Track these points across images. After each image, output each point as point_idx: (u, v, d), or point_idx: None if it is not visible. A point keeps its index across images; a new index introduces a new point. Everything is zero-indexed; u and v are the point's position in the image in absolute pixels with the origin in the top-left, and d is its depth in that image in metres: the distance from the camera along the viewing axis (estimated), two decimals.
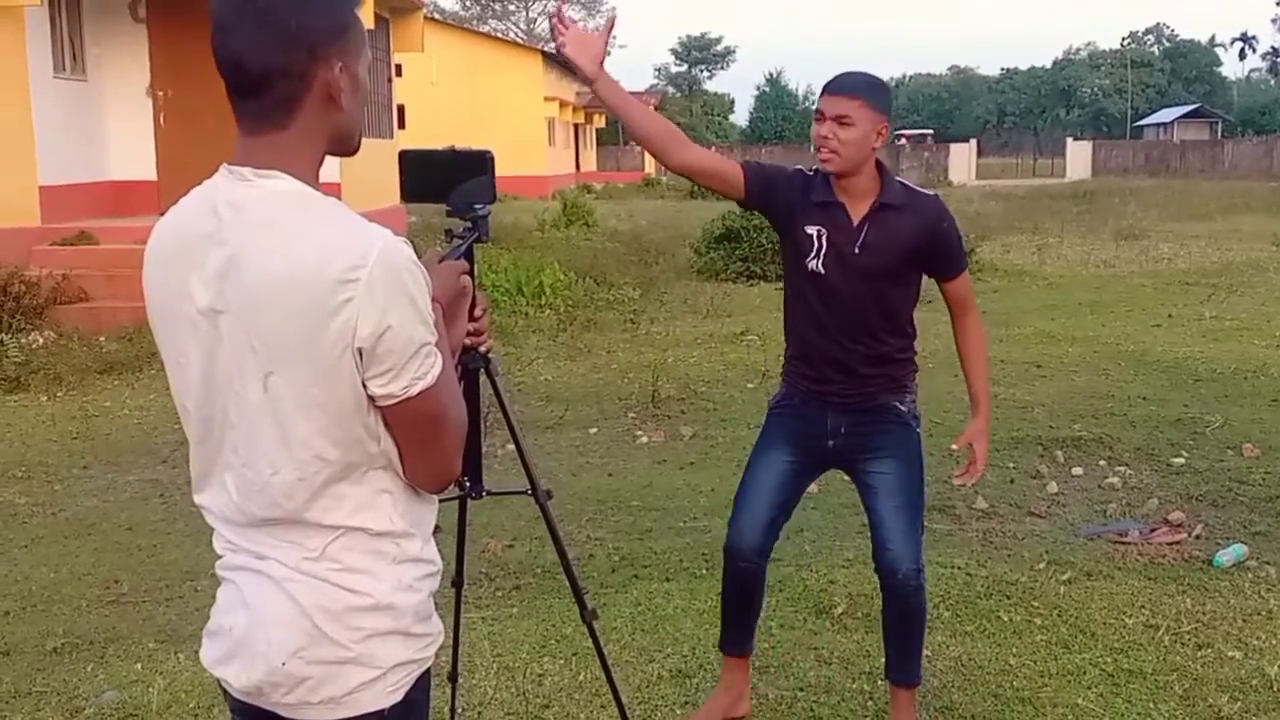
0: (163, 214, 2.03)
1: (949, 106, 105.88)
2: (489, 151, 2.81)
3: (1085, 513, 6.27)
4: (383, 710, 1.99)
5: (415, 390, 1.90)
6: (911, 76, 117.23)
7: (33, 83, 13.09)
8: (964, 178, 50.95)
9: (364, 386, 1.89)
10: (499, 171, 2.89)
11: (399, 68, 19.89)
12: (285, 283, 1.83)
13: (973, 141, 58.80)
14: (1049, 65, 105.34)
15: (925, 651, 4.38)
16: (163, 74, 14.94)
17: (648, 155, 53.11)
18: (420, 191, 2.86)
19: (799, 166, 3.81)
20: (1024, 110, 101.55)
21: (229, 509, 2.00)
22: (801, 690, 4.27)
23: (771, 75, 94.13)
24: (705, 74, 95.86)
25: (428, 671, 2.09)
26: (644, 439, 7.90)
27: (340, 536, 1.96)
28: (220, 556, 2.06)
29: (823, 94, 3.63)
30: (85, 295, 11.95)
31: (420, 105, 34.40)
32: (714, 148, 61.74)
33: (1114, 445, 7.47)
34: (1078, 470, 7.00)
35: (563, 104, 45.06)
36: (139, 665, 4.59)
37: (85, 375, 9.83)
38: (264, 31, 1.87)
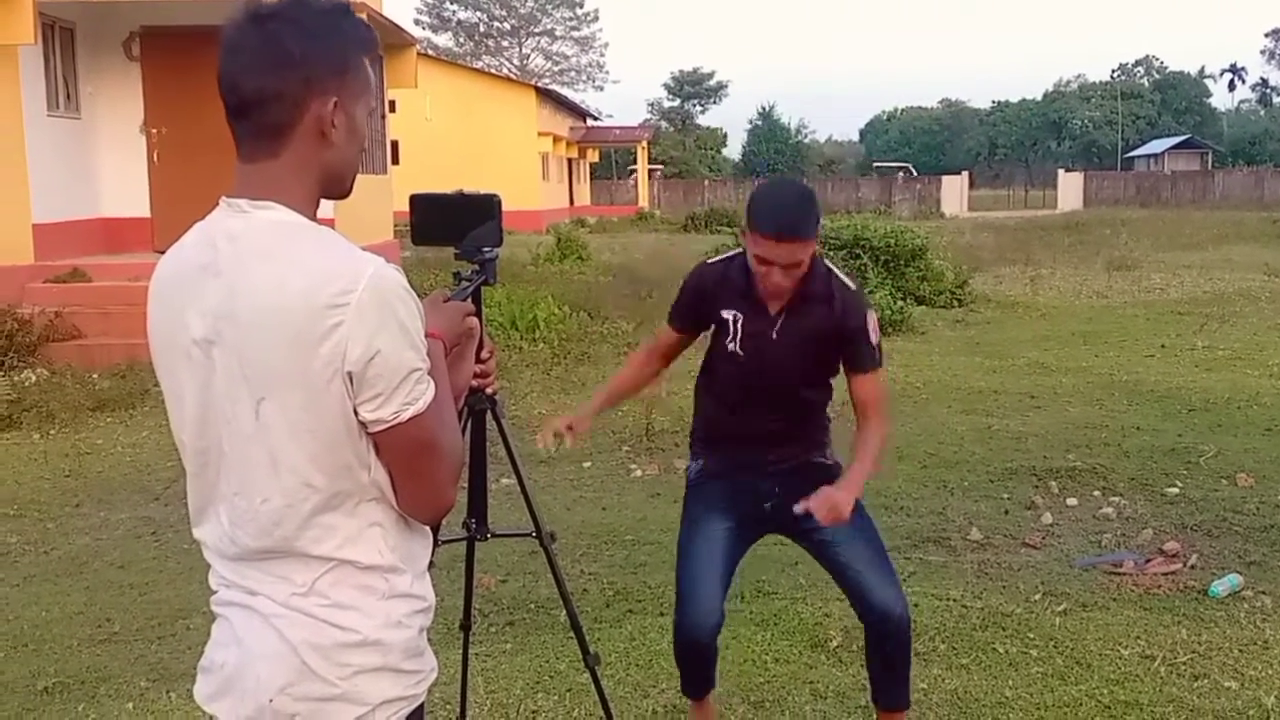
0: (157, 250, 2.06)
1: (941, 139, 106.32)
2: (496, 196, 2.87)
3: (1080, 543, 6.25)
4: None
5: (405, 416, 1.91)
6: (903, 109, 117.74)
7: (26, 121, 13.13)
8: (956, 210, 51.11)
9: (355, 413, 1.90)
10: None
11: (393, 104, 19.95)
12: (277, 309, 1.86)
13: (964, 174, 59.00)
14: (1039, 98, 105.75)
15: (921, 685, 4.37)
16: (156, 111, 15.00)
17: (641, 189, 52.74)
18: (429, 234, 2.89)
19: (705, 261, 3.83)
20: (1015, 142, 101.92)
21: (223, 541, 2.01)
22: None
23: (764, 109, 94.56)
24: (698, 108, 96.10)
25: (420, 708, 2.07)
26: (638, 472, 7.88)
27: (329, 571, 1.96)
28: (215, 592, 2.07)
29: (767, 237, 3.39)
30: (78, 332, 11.94)
31: (414, 141, 34.45)
32: (707, 182, 61.97)
33: (1108, 476, 7.47)
34: (1072, 501, 6.99)
35: (556, 139, 45.22)
36: (130, 705, 4.57)
37: (78, 413, 9.80)
38: (265, 54, 1.92)
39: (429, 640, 2.10)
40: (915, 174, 62.60)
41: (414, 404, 1.91)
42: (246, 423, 1.92)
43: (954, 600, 5.34)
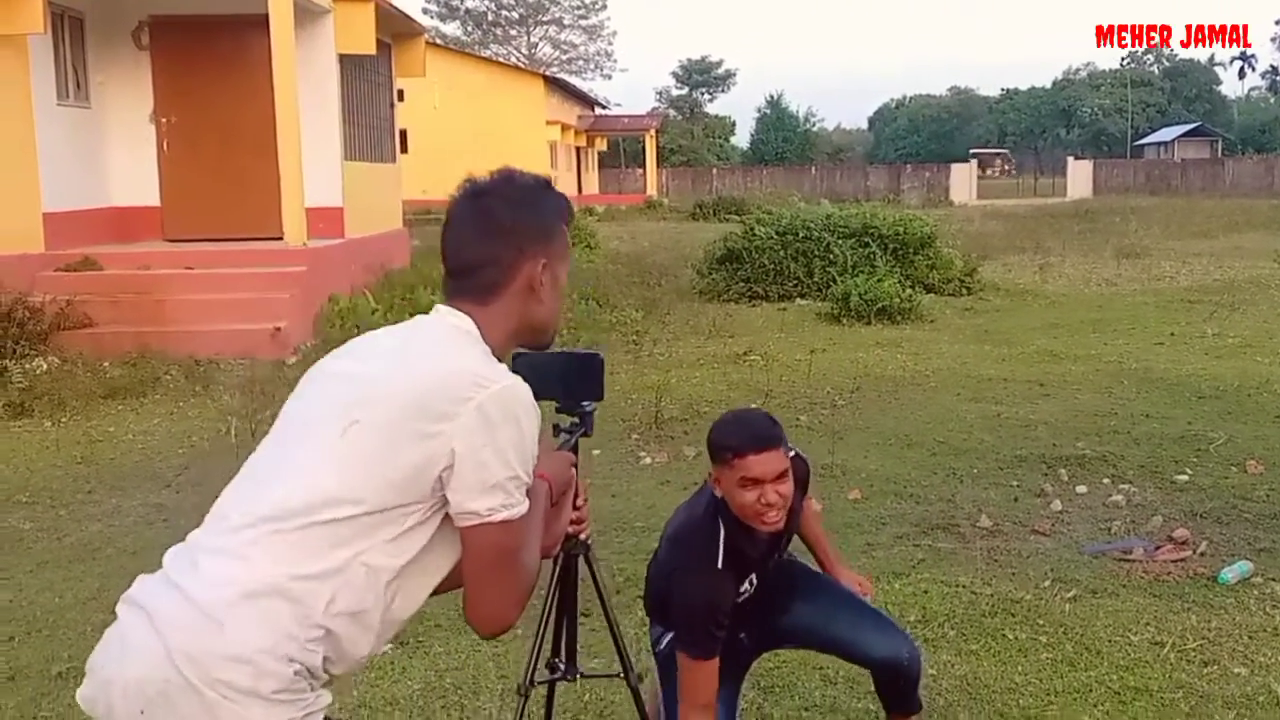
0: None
1: (949, 127, 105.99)
2: (599, 355, 2.96)
3: (1090, 530, 6.26)
4: None
5: (498, 517, 2.00)
6: (912, 98, 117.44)
7: (36, 110, 13.14)
8: (965, 198, 51.02)
9: (442, 492, 1.99)
10: None
11: (401, 93, 19.95)
12: (421, 370, 2.04)
13: (974, 161, 58.88)
14: (1049, 85, 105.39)
15: (931, 671, 4.38)
16: (166, 100, 15.01)
17: (649, 176, 52.47)
18: (533, 390, 2.91)
19: (691, 573, 3.36)
20: (1025, 130, 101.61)
21: (216, 519, 2.10)
22: (807, 710, 4.26)
23: (772, 97, 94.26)
24: (706, 96, 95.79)
25: None
26: (647, 460, 7.89)
27: (256, 596, 1.96)
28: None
29: (747, 454, 3.18)
30: (89, 321, 11.98)
31: (423, 130, 34.48)
32: (715, 170, 61.95)
33: (1118, 463, 7.47)
34: (1082, 488, 6.99)
35: (564, 128, 45.18)
36: None
37: (89, 400, 9.83)
38: (483, 226, 2.21)
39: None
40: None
41: (509, 508, 2.02)
42: (327, 436, 2.02)
43: (963, 586, 5.35)
